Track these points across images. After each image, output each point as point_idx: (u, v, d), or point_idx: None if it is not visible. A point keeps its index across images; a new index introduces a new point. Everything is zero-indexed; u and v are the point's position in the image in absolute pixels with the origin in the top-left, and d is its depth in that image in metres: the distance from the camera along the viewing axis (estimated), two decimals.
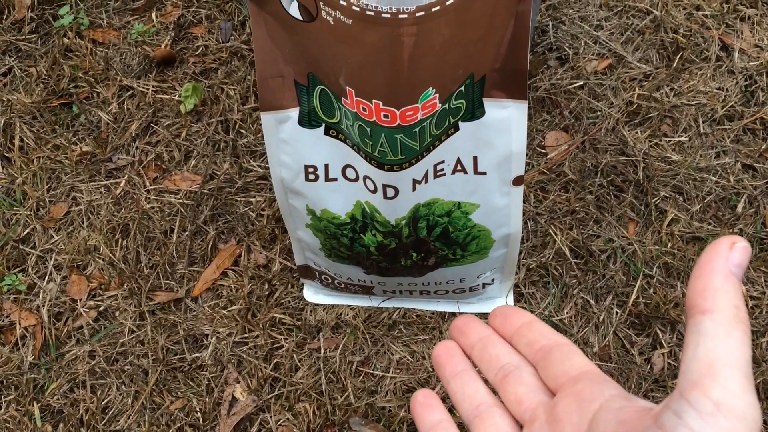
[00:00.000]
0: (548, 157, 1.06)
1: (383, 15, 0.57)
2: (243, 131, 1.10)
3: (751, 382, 0.23)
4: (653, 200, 1.02)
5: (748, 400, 0.22)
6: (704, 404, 0.22)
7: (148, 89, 1.15)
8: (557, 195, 1.03)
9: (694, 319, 0.24)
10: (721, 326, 0.23)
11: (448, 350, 0.36)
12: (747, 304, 0.96)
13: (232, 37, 1.19)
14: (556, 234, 1.00)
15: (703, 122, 1.08)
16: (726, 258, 0.24)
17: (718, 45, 1.14)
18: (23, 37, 1.21)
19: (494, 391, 0.34)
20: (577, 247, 1.00)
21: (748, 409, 0.22)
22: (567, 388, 0.30)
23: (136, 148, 1.11)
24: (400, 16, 0.57)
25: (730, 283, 0.24)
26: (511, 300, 0.97)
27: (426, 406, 0.34)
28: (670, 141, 1.07)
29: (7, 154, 1.12)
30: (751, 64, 1.12)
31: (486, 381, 0.34)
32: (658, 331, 0.95)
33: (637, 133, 1.07)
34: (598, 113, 1.09)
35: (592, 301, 0.97)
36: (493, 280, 0.91)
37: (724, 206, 1.03)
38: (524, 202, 1.02)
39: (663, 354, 0.94)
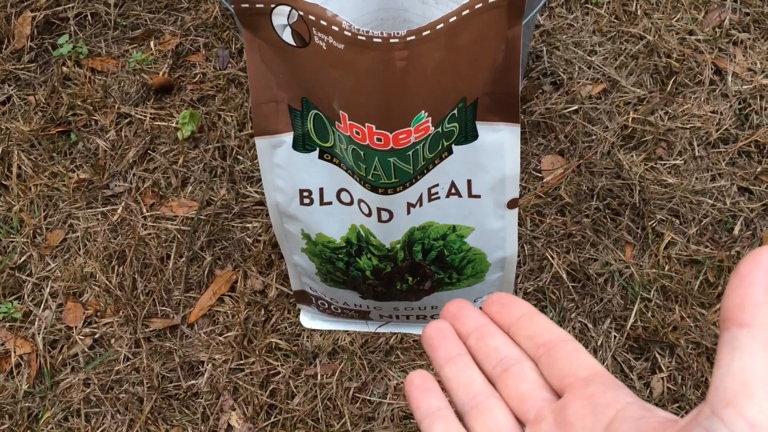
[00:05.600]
0: (544, 180, 1.06)
1: (374, 39, 0.57)
2: (240, 157, 1.11)
3: None
4: (650, 223, 1.02)
5: None
6: (739, 424, 0.22)
7: (145, 116, 1.16)
8: (554, 219, 1.03)
9: (729, 332, 0.23)
10: (759, 342, 0.23)
11: (442, 332, 0.34)
12: None
13: (230, 65, 1.20)
14: (552, 258, 1.00)
15: (698, 145, 1.09)
16: (766, 270, 0.23)
17: (712, 69, 1.15)
18: (22, 66, 1.22)
19: (491, 382, 0.32)
20: (574, 270, 1.00)
21: None
22: (577, 390, 0.29)
23: (134, 174, 1.11)
24: (391, 40, 0.57)
25: None
26: None
27: (423, 389, 0.32)
28: (665, 164, 1.07)
29: (4, 182, 1.12)
30: (744, 87, 1.13)
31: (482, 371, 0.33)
32: (657, 355, 0.94)
33: (632, 156, 1.08)
34: (593, 137, 1.09)
35: (590, 325, 0.97)
36: None
37: (721, 229, 1.03)
38: (521, 225, 1.02)
39: (662, 378, 0.93)
